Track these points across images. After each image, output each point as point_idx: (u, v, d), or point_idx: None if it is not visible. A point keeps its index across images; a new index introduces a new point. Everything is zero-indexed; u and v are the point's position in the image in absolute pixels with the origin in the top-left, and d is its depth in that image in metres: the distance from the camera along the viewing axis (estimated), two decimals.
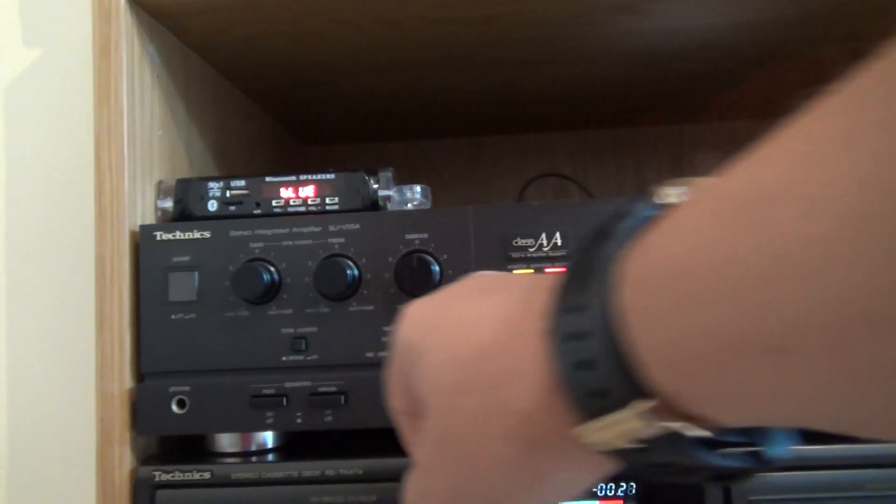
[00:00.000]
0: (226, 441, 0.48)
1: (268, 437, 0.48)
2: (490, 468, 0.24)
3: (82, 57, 0.76)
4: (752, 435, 0.22)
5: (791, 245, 0.16)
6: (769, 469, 0.22)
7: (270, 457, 0.47)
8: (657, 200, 0.22)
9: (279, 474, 0.44)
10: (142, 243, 0.46)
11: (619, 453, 0.21)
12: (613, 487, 0.43)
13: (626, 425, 0.20)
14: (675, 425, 0.20)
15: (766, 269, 0.16)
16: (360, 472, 0.44)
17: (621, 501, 0.43)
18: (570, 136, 0.90)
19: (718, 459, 0.21)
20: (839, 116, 0.16)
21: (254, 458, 0.46)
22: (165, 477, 0.44)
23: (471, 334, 0.24)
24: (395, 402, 0.30)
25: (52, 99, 0.76)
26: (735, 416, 0.20)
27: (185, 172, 0.55)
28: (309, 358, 0.45)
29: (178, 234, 0.46)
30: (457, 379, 0.24)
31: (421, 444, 0.27)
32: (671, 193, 0.22)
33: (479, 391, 0.24)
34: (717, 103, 0.80)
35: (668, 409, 0.20)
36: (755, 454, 0.22)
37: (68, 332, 0.72)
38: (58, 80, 0.77)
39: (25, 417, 0.72)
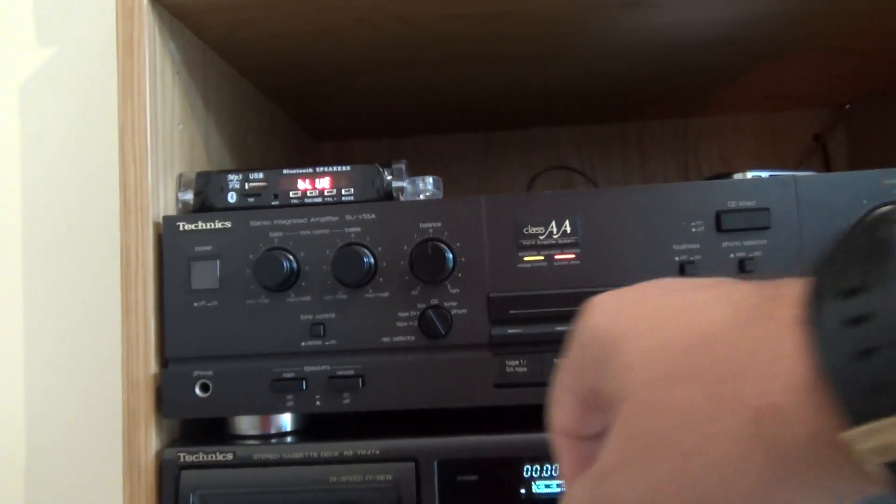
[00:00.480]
0: (246, 424, 0.50)
1: (286, 421, 0.50)
2: (709, 473, 0.20)
3: (96, 55, 0.78)
4: None
5: None
6: None
7: (290, 438, 0.48)
8: None
9: (299, 455, 0.46)
10: (165, 234, 0.48)
11: None
12: None
13: None
14: None
15: None
16: (377, 451, 0.45)
17: None
18: (578, 130, 0.91)
19: None
20: None
21: (273, 441, 0.48)
22: (190, 458, 0.46)
23: (690, 320, 0.21)
24: (562, 417, 0.26)
25: (67, 97, 0.78)
26: None
27: (203, 166, 0.57)
28: (327, 343, 0.46)
29: (201, 225, 0.48)
30: (671, 367, 0.21)
31: (607, 448, 0.22)
32: None
33: (702, 381, 0.20)
34: (722, 97, 0.82)
35: None
36: None
37: (88, 321, 0.74)
38: (72, 78, 0.78)
39: (48, 405, 0.74)
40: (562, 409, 0.26)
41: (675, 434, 0.20)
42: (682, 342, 0.21)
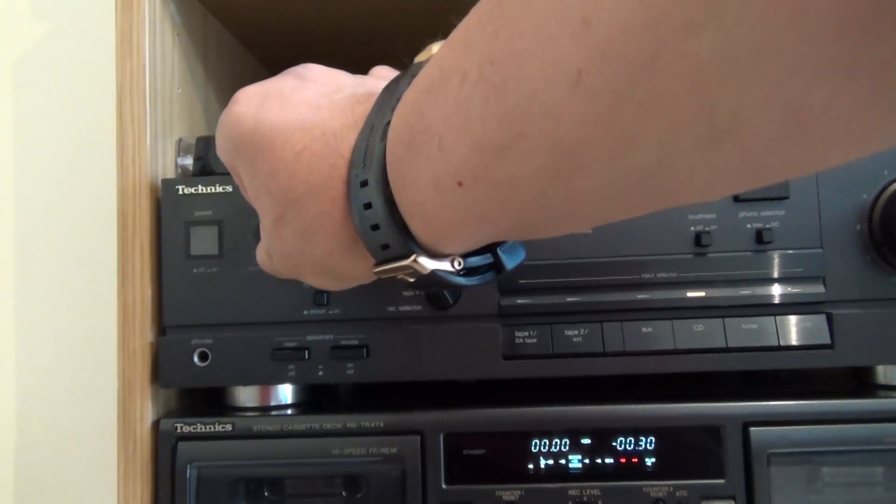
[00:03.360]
0: (244, 396, 0.48)
1: (286, 394, 0.49)
2: (310, 280, 0.32)
3: (92, 30, 0.76)
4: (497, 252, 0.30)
5: (453, 107, 0.22)
6: (506, 273, 0.31)
7: (290, 411, 0.47)
8: (416, 65, 0.28)
9: (301, 427, 0.44)
10: (163, 197, 0.46)
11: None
12: (633, 442, 0.44)
13: (405, 268, 0.27)
14: (434, 265, 0.27)
15: (441, 127, 0.23)
16: (382, 424, 0.44)
17: (636, 459, 0.44)
18: None
19: (463, 280, 0.29)
20: (475, 13, 0.22)
21: (273, 413, 0.47)
22: (187, 429, 0.45)
23: (283, 177, 0.29)
24: (225, 159, 0.34)
25: (61, 73, 0.76)
26: (461, 243, 0.27)
27: (202, 133, 0.55)
28: (331, 312, 0.45)
29: (201, 189, 0.46)
30: (276, 214, 0.30)
31: (262, 230, 0.33)
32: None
33: (295, 231, 0.29)
34: None
35: (431, 251, 0.27)
36: (497, 269, 0.31)
37: (83, 289, 0.72)
38: (67, 53, 0.76)
39: (40, 374, 0.72)
40: (223, 157, 0.34)
41: (287, 255, 0.31)
42: (282, 197, 0.29)
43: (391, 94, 0.28)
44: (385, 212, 0.26)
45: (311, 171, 0.28)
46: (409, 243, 0.27)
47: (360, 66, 0.73)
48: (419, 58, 0.30)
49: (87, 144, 0.75)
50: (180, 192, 0.46)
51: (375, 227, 0.27)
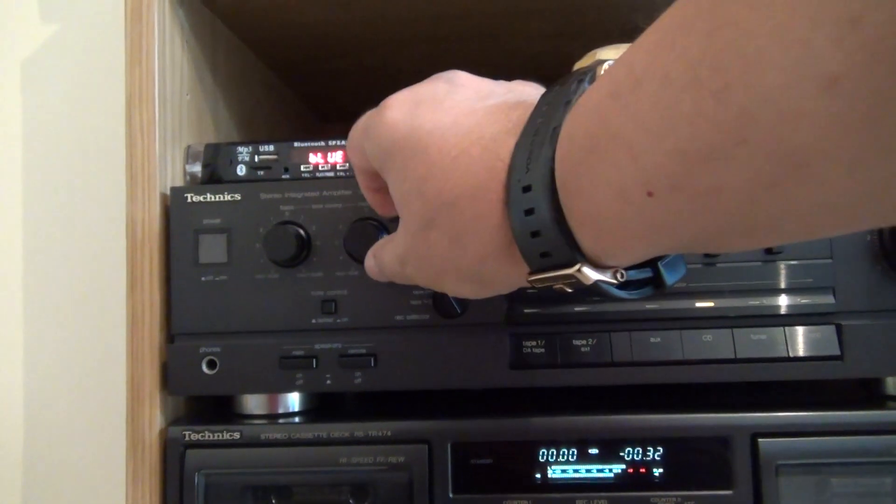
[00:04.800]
0: (252, 404, 0.48)
1: (294, 401, 0.49)
2: (450, 287, 0.32)
3: (99, 33, 0.77)
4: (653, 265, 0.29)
5: (650, 112, 0.21)
6: (665, 290, 0.29)
7: (297, 419, 0.47)
8: (586, 70, 0.27)
9: (309, 435, 0.44)
10: (172, 205, 0.46)
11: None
12: (641, 452, 0.43)
13: (566, 277, 0.26)
14: (598, 276, 0.26)
15: (632, 132, 0.22)
16: (389, 433, 0.44)
17: (644, 469, 0.44)
18: None
19: (623, 294, 0.28)
20: (676, 14, 0.21)
21: (281, 420, 0.47)
22: (196, 437, 0.45)
23: (438, 180, 0.28)
24: (356, 160, 0.35)
25: (69, 75, 0.76)
26: (630, 255, 0.26)
27: (211, 140, 0.55)
28: (339, 320, 0.45)
29: (209, 197, 0.46)
30: (426, 217, 0.29)
31: (398, 239, 0.33)
32: (602, 61, 0.27)
33: (446, 234, 0.28)
34: None
35: (594, 262, 0.26)
36: (655, 284, 0.29)
37: (91, 297, 0.72)
38: (75, 56, 0.77)
39: (49, 381, 0.72)
40: (355, 153, 0.35)
41: (429, 259, 0.30)
42: (432, 200, 0.28)
43: (558, 98, 0.26)
44: (550, 218, 0.25)
45: (468, 174, 0.27)
46: (574, 252, 0.26)
47: (368, 72, 0.73)
48: (580, 64, 0.28)
49: (94, 147, 0.75)
50: (189, 200, 0.46)
51: (536, 234, 0.26)
